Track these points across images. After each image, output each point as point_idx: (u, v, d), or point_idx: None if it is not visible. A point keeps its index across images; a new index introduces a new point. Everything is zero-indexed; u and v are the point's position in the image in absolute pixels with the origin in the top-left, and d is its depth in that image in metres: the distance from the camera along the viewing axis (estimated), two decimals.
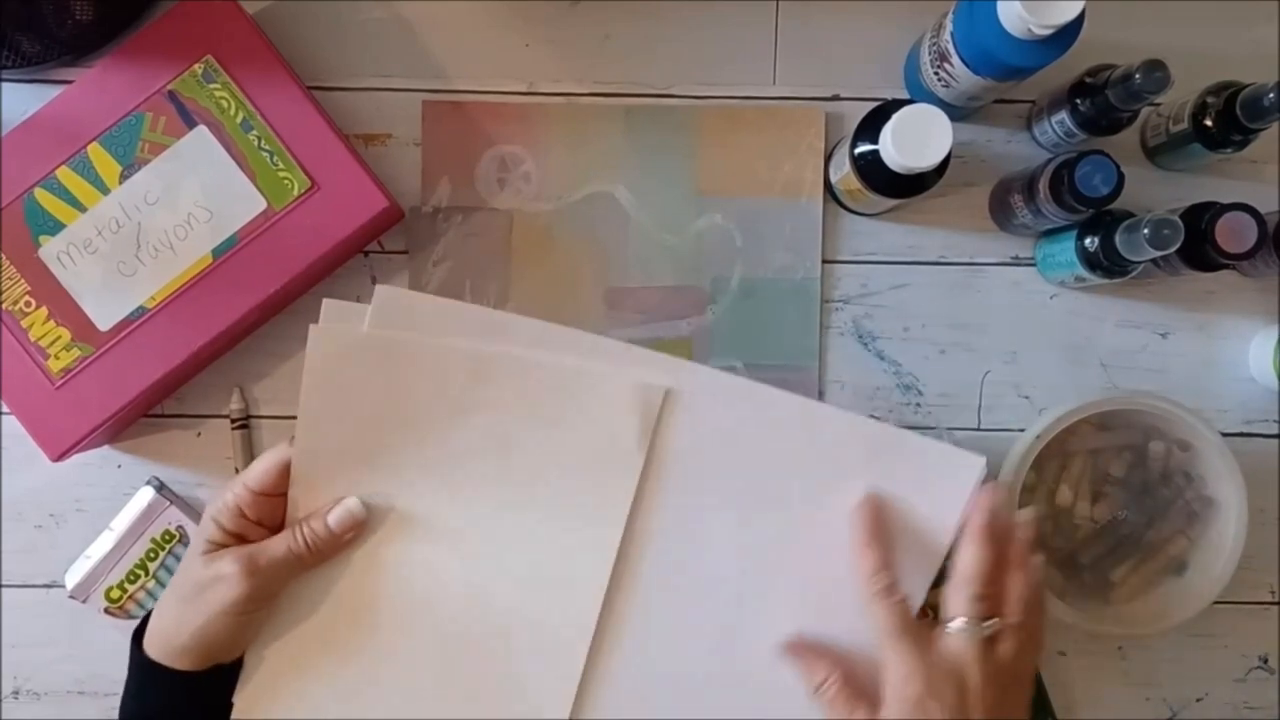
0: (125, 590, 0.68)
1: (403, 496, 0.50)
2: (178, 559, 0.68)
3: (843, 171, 0.66)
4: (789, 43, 0.72)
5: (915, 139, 0.59)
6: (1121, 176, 0.62)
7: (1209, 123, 0.64)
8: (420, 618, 0.50)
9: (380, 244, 0.71)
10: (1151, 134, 0.70)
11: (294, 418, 0.48)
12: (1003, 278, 0.72)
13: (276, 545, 0.48)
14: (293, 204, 0.65)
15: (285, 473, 0.49)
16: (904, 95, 0.71)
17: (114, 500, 0.69)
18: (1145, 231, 0.59)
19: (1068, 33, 0.58)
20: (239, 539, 0.48)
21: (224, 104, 0.65)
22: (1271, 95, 0.59)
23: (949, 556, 0.49)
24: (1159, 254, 0.60)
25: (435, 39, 0.71)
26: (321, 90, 0.70)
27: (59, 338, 0.65)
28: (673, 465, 0.49)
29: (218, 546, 0.48)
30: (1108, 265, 0.64)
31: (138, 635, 0.50)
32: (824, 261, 0.71)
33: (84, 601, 0.68)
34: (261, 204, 0.65)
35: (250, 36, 0.65)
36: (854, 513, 0.49)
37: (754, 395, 0.50)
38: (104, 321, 0.65)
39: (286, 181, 0.65)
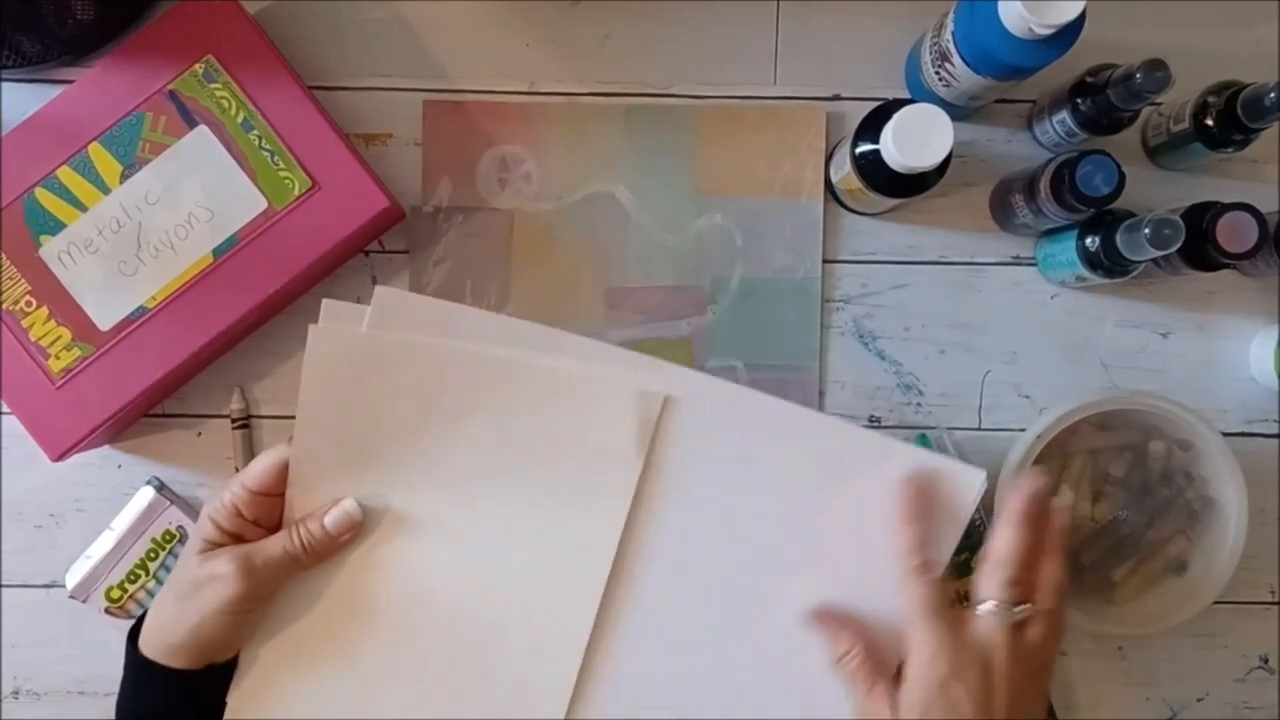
0: (125, 590, 0.68)
1: (400, 497, 0.49)
2: (178, 559, 0.68)
3: (843, 171, 0.66)
4: (789, 42, 0.72)
5: (916, 138, 0.59)
6: (1122, 176, 0.62)
7: (1210, 122, 0.64)
8: (416, 619, 0.50)
9: (381, 244, 0.71)
10: (1152, 134, 0.70)
11: (294, 418, 0.48)
12: (1003, 277, 0.72)
13: (273, 545, 0.48)
14: (293, 204, 0.65)
15: (283, 473, 0.49)
16: (905, 95, 0.71)
17: (114, 500, 0.69)
18: (1146, 231, 0.59)
19: (1069, 32, 0.58)
20: (236, 538, 0.48)
21: (225, 104, 0.65)
22: (1272, 95, 0.59)
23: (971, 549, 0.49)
24: (1160, 254, 0.60)
25: (436, 39, 0.71)
26: (322, 90, 0.70)
27: (59, 337, 0.65)
28: (670, 471, 0.49)
29: (214, 545, 0.48)
30: (1108, 265, 0.64)
31: (133, 634, 0.50)
32: (824, 261, 0.71)
33: (84, 601, 0.68)
34: (262, 204, 0.65)
35: (251, 36, 0.65)
36: (896, 489, 0.49)
37: (753, 403, 0.49)
38: (104, 321, 0.65)
39: (287, 181, 0.65)
